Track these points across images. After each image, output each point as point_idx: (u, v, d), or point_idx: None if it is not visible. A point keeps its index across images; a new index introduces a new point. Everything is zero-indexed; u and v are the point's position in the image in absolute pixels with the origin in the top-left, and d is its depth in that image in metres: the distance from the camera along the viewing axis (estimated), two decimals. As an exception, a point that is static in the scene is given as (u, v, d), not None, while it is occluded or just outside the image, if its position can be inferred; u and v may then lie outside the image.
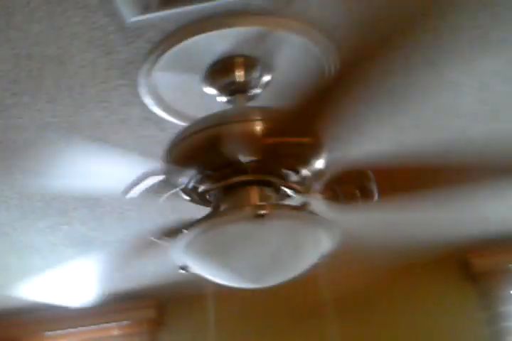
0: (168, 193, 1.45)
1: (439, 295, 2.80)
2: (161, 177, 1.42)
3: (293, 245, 1.34)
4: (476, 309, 2.75)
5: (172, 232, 1.48)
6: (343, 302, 2.78)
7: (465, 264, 2.80)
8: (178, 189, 1.42)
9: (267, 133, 1.34)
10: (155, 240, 1.52)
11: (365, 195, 1.50)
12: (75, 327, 2.96)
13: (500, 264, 2.76)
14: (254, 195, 1.40)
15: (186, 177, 1.41)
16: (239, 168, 1.38)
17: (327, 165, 1.47)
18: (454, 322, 2.73)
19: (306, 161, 1.42)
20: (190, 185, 1.42)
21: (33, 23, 1.33)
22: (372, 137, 1.83)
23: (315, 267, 1.41)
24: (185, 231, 1.39)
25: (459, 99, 1.73)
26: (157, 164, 1.40)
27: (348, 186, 1.52)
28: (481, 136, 1.88)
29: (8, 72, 1.47)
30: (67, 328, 2.96)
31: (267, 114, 1.38)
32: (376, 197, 1.50)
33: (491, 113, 1.79)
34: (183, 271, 1.43)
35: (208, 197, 1.47)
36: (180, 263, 1.42)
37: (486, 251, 2.75)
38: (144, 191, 1.45)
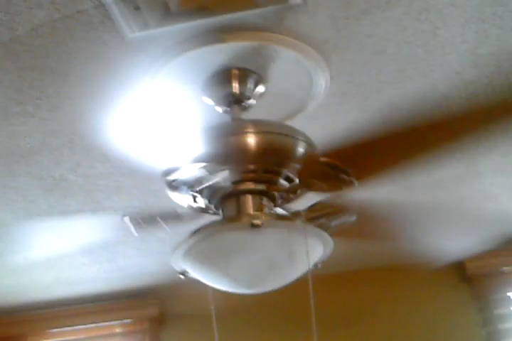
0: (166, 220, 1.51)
1: (434, 297, 2.84)
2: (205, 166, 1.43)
3: (287, 253, 1.40)
4: (470, 311, 2.79)
5: (147, 220, 1.54)
6: (337, 303, 2.85)
7: (460, 267, 2.84)
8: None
9: (261, 146, 1.40)
10: (129, 224, 1.58)
11: (344, 180, 1.54)
12: (79, 324, 3.01)
13: (495, 267, 2.81)
14: (250, 204, 1.46)
15: (185, 188, 1.47)
16: (234, 179, 1.44)
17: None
18: (448, 324, 2.77)
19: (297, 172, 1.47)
20: (190, 195, 1.48)
21: (36, 37, 1.38)
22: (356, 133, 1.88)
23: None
24: (160, 220, 1.45)
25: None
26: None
27: (327, 178, 1.56)
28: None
29: (12, 83, 1.52)
30: (70, 325, 3.01)
31: (260, 127, 1.44)
32: (354, 180, 1.54)
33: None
34: (182, 277, 1.50)
35: (207, 206, 1.53)
36: (179, 269, 1.48)
37: (480, 255, 2.80)
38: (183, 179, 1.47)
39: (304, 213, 1.52)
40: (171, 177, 1.39)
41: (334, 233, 1.53)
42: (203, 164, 1.37)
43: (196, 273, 1.45)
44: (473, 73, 1.63)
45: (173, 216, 1.55)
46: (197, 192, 1.47)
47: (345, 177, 1.49)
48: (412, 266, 2.82)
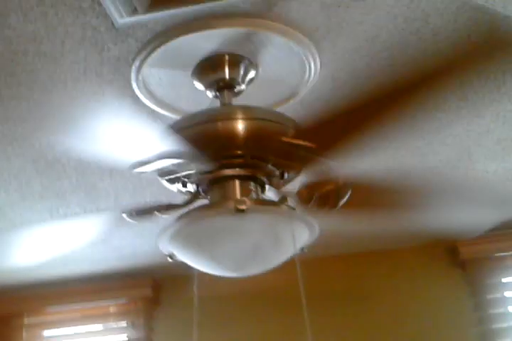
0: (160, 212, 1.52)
1: (427, 281, 2.85)
2: (177, 161, 1.46)
3: (272, 238, 1.42)
4: (463, 295, 2.80)
5: (144, 212, 1.56)
6: (329, 286, 2.87)
7: (453, 251, 2.86)
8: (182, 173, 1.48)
9: (249, 132, 1.41)
10: (126, 217, 1.59)
11: (331, 204, 1.56)
12: (74, 303, 3.04)
13: (488, 252, 2.82)
14: (237, 188, 1.48)
15: (175, 170, 1.48)
16: (223, 163, 1.45)
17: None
18: (440, 308, 2.79)
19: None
20: (180, 177, 1.50)
21: (27, 22, 1.39)
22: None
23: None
24: (157, 213, 1.47)
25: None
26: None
27: (324, 193, 1.58)
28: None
29: (5, 66, 1.53)
30: (66, 304, 3.05)
31: (250, 113, 1.45)
32: (338, 207, 1.56)
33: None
34: (170, 260, 1.52)
35: (196, 189, 1.54)
36: (167, 252, 1.50)
37: (473, 240, 2.80)
38: (155, 170, 1.49)
39: (292, 196, 1.54)
40: (140, 170, 1.42)
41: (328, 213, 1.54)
42: (175, 160, 1.40)
43: (183, 256, 1.47)
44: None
45: (166, 205, 1.56)
46: (186, 177, 1.48)
47: (307, 153, 1.50)
48: (405, 250, 2.85)
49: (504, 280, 2.82)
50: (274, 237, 1.40)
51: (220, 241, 1.40)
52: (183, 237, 1.41)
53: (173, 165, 1.47)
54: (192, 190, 1.54)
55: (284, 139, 1.41)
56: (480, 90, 1.75)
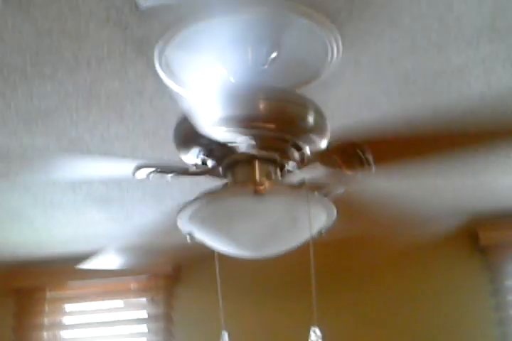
0: (168, 176, 1.55)
1: (447, 266, 2.87)
2: (150, 170, 1.52)
3: (290, 220, 1.44)
4: (482, 281, 2.81)
5: (155, 170, 1.60)
6: (350, 270, 2.89)
7: (473, 236, 2.86)
8: (172, 174, 1.53)
9: (269, 112, 1.42)
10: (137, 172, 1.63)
11: (363, 165, 1.58)
12: (95, 278, 3.09)
13: (508, 239, 2.82)
14: (257, 170, 1.49)
15: (196, 151, 1.50)
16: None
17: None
18: (458, 293, 2.80)
19: (307, 141, 1.49)
20: (200, 159, 1.52)
21: (52, 2, 1.41)
22: (380, 116, 1.89)
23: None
24: (159, 171, 1.51)
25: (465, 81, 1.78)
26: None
27: (347, 157, 1.60)
28: (486, 117, 1.93)
29: (30, 45, 1.55)
30: (87, 279, 3.10)
31: (269, 94, 1.45)
32: (373, 167, 1.58)
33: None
34: (189, 239, 1.54)
35: (215, 170, 1.56)
36: (185, 231, 1.53)
37: (494, 225, 2.81)
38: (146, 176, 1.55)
39: (320, 166, 1.57)
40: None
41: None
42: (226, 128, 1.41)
43: (201, 236, 1.49)
44: (489, 48, 1.63)
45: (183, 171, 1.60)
46: (207, 155, 1.50)
47: (364, 161, 1.53)
48: (424, 233, 2.84)
49: (523, 266, 2.82)
50: (291, 220, 1.42)
51: (239, 222, 1.42)
52: (202, 217, 1.43)
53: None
54: (210, 167, 1.55)
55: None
56: None
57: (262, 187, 1.35)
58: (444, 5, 1.47)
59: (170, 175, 1.60)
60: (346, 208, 1.61)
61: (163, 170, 1.59)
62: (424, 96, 1.85)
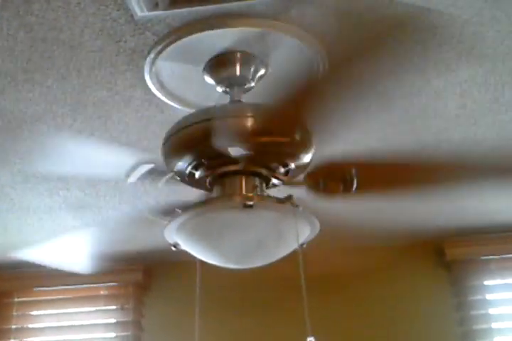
0: (164, 178, 1.57)
1: (413, 278, 2.92)
2: (151, 165, 1.55)
3: (275, 233, 1.48)
4: (446, 295, 2.88)
5: (167, 212, 1.61)
6: (321, 279, 2.92)
7: (440, 252, 2.93)
8: (170, 175, 1.55)
9: (257, 129, 1.46)
10: (151, 217, 1.65)
11: (346, 188, 1.63)
12: (64, 284, 3.08)
13: (473, 255, 2.90)
14: (243, 184, 1.53)
15: (184, 164, 1.53)
16: (231, 159, 1.50)
17: (313, 158, 1.59)
18: (423, 306, 2.85)
19: (293, 156, 1.54)
20: (188, 171, 1.55)
21: (49, 10, 1.43)
22: (359, 132, 1.95)
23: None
24: (177, 210, 1.52)
25: (442, 103, 1.84)
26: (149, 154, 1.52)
27: (331, 178, 1.65)
28: (459, 137, 2.00)
29: (23, 52, 1.57)
30: (56, 285, 3.09)
31: (258, 111, 1.49)
32: (354, 190, 1.63)
33: (469, 117, 1.91)
34: (174, 249, 1.57)
35: (202, 182, 1.59)
36: (172, 242, 1.56)
37: (460, 242, 2.89)
38: (140, 177, 1.58)
39: (301, 185, 1.61)
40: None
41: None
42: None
43: (187, 247, 1.52)
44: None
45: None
46: (195, 167, 1.53)
47: (348, 184, 1.58)
48: (394, 247, 2.90)
49: (486, 282, 2.90)
50: (277, 233, 1.45)
51: (225, 234, 1.45)
52: (190, 228, 1.46)
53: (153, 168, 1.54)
54: (197, 179, 1.58)
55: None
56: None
57: (250, 202, 1.39)
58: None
59: (164, 179, 1.62)
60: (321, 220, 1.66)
61: (159, 172, 1.62)
62: (403, 118, 1.91)
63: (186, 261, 1.62)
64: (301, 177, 1.64)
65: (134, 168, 1.61)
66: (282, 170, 1.55)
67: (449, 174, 2.03)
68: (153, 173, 1.64)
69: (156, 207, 1.62)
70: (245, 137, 1.46)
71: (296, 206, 1.45)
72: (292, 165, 1.55)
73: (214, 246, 1.48)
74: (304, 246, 1.57)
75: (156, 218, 1.65)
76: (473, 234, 2.87)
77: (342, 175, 1.64)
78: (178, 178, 1.58)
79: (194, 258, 1.59)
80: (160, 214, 1.66)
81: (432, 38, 1.56)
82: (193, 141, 1.49)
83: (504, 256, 2.89)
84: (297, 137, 1.52)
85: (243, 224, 1.42)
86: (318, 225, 1.50)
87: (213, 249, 1.49)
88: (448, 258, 2.90)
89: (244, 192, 1.50)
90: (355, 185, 1.63)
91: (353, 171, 1.60)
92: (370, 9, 1.45)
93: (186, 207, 1.46)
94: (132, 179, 1.63)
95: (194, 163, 1.51)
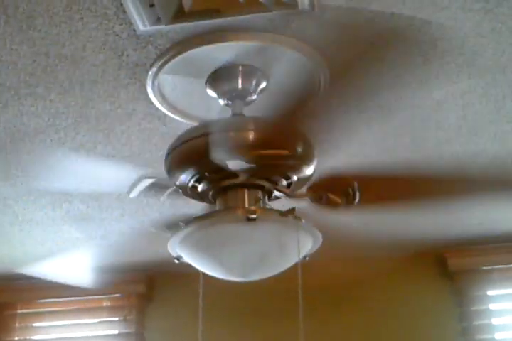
0: (167, 192, 1.58)
1: (415, 289, 2.91)
2: (153, 180, 1.56)
3: (278, 246, 1.49)
4: (449, 306, 2.87)
5: (171, 225, 1.62)
6: (323, 290, 2.92)
7: (442, 262, 2.92)
8: (172, 189, 1.56)
9: (259, 142, 1.47)
10: (154, 230, 1.66)
11: (348, 200, 1.64)
12: (67, 296, 3.08)
13: (475, 265, 2.89)
14: (246, 197, 1.54)
15: (186, 177, 1.54)
16: (233, 172, 1.51)
17: (315, 171, 1.60)
18: (426, 316, 2.85)
19: (296, 169, 1.54)
20: (190, 184, 1.56)
21: (52, 26, 1.44)
22: (360, 144, 1.96)
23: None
24: (182, 224, 1.53)
25: (443, 115, 1.85)
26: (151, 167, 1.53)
27: (333, 191, 1.66)
28: (460, 148, 2.01)
29: (26, 67, 1.58)
30: (59, 297, 3.09)
31: (259, 124, 1.51)
32: (356, 203, 1.64)
33: (470, 128, 1.92)
34: (177, 261, 1.58)
35: (205, 195, 1.60)
36: (175, 255, 1.56)
37: (462, 252, 2.88)
38: (141, 191, 1.59)
39: (304, 197, 1.62)
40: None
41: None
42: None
43: (190, 260, 1.53)
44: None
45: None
46: (198, 180, 1.54)
47: (350, 197, 1.59)
48: (396, 258, 2.90)
49: (489, 292, 2.89)
50: (280, 245, 1.46)
51: (229, 247, 1.46)
52: (193, 241, 1.47)
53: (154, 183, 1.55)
54: (199, 192, 1.59)
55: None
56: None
57: (253, 215, 1.39)
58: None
59: (166, 193, 1.63)
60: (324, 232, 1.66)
61: (161, 186, 1.63)
62: (404, 129, 1.92)
63: (189, 273, 1.63)
64: (303, 189, 1.65)
65: (135, 183, 1.62)
66: (285, 182, 1.56)
67: (451, 185, 2.04)
68: (155, 188, 1.65)
69: (160, 220, 1.63)
70: (247, 150, 1.47)
71: (299, 219, 1.45)
72: (294, 178, 1.56)
73: (217, 259, 1.49)
74: (307, 258, 1.57)
75: (159, 231, 1.65)
76: (475, 244, 2.87)
77: (344, 187, 1.65)
78: (180, 191, 1.59)
79: (197, 270, 1.60)
80: (163, 227, 1.67)
81: (432, 50, 1.57)
82: (195, 154, 1.50)
83: (506, 265, 2.89)
84: (299, 150, 1.53)
85: (246, 237, 1.43)
86: (320, 238, 1.51)
87: (216, 262, 1.49)
88: (450, 269, 2.90)
89: (247, 205, 1.51)
90: (357, 198, 1.64)
91: (355, 184, 1.60)
92: (371, 22, 1.46)
93: (189, 220, 1.46)
94: (134, 194, 1.64)
95: (196, 176, 1.52)
